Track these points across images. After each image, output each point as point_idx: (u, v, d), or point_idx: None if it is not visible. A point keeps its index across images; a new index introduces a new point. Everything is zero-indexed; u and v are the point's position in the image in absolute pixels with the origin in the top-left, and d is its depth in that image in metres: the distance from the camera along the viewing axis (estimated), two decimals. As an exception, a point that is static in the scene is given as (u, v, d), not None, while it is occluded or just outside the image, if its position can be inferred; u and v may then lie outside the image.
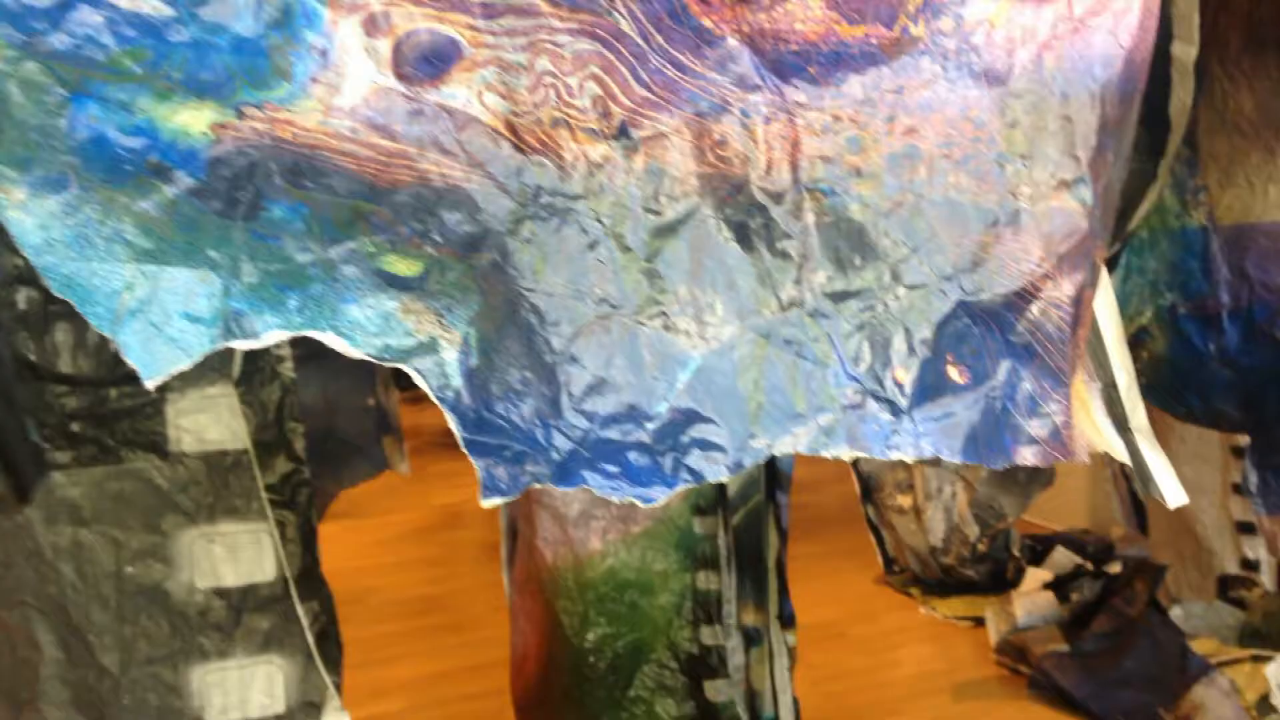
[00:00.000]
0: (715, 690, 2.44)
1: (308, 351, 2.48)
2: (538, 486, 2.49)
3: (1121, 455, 1.11)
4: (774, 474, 2.47)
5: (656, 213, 0.92)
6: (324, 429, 2.87)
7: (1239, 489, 3.05)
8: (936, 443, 0.94)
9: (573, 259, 0.91)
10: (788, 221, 0.94)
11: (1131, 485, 3.67)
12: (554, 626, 2.51)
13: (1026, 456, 0.97)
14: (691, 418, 0.92)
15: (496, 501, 0.86)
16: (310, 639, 1.84)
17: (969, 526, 3.81)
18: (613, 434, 0.90)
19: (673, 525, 2.44)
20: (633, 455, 0.90)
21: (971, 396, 0.95)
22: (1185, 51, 2.38)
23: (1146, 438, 1.15)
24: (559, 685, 2.53)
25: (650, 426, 0.91)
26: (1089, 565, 3.69)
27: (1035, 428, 0.97)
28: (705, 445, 0.92)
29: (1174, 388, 2.67)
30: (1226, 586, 3.38)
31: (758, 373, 0.93)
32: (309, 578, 1.87)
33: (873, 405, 0.94)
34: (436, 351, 0.86)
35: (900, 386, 0.95)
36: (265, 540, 1.81)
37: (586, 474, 0.89)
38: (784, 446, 0.93)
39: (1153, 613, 3.24)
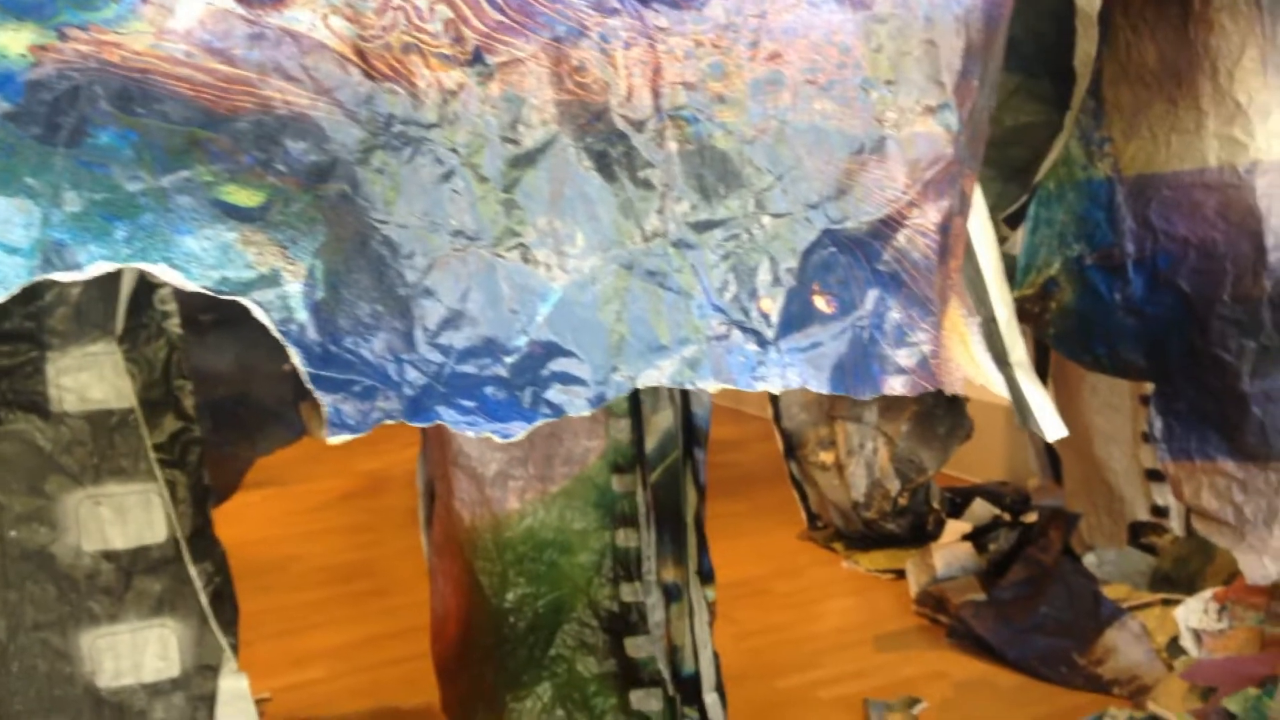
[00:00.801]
0: (636, 647, 2.44)
1: (222, 316, 2.42)
2: (454, 448, 2.47)
3: (1000, 389, 1.11)
4: (691, 430, 2.46)
5: (514, 142, 0.90)
6: (239, 395, 2.81)
7: (1148, 437, 3.11)
8: (803, 373, 0.93)
9: (427, 190, 0.88)
10: (650, 150, 0.92)
11: (1046, 436, 3.73)
12: (473, 587, 2.49)
13: (895, 386, 0.96)
14: (552, 351, 0.90)
15: (345, 438, 0.83)
16: (204, 601, 1.80)
17: (890, 481, 3.86)
18: (469, 368, 0.88)
19: (591, 484, 2.43)
20: (490, 390, 0.88)
21: (839, 326, 0.95)
22: (1089, 2, 2.39)
23: (1026, 372, 1.16)
24: (479, 646, 2.52)
25: (508, 360, 0.89)
26: (1006, 516, 3.76)
27: (903, 357, 0.96)
28: (566, 379, 0.90)
29: (1082, 337, 2.71)
30: (1138, 533, 3.46)
31: (620, 305, 0.91)
32: (201, 538, 1.83)
33: (738, 336, 0.93)
34: (279, 284, 0.83)
35: (766, 317, 0.94)
36: (155, 501, 1.77)
37: (441, 409, 0.87)
38: (648, 379, 0.91)
39: (1066, 560, 3.30)
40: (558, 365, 0.90)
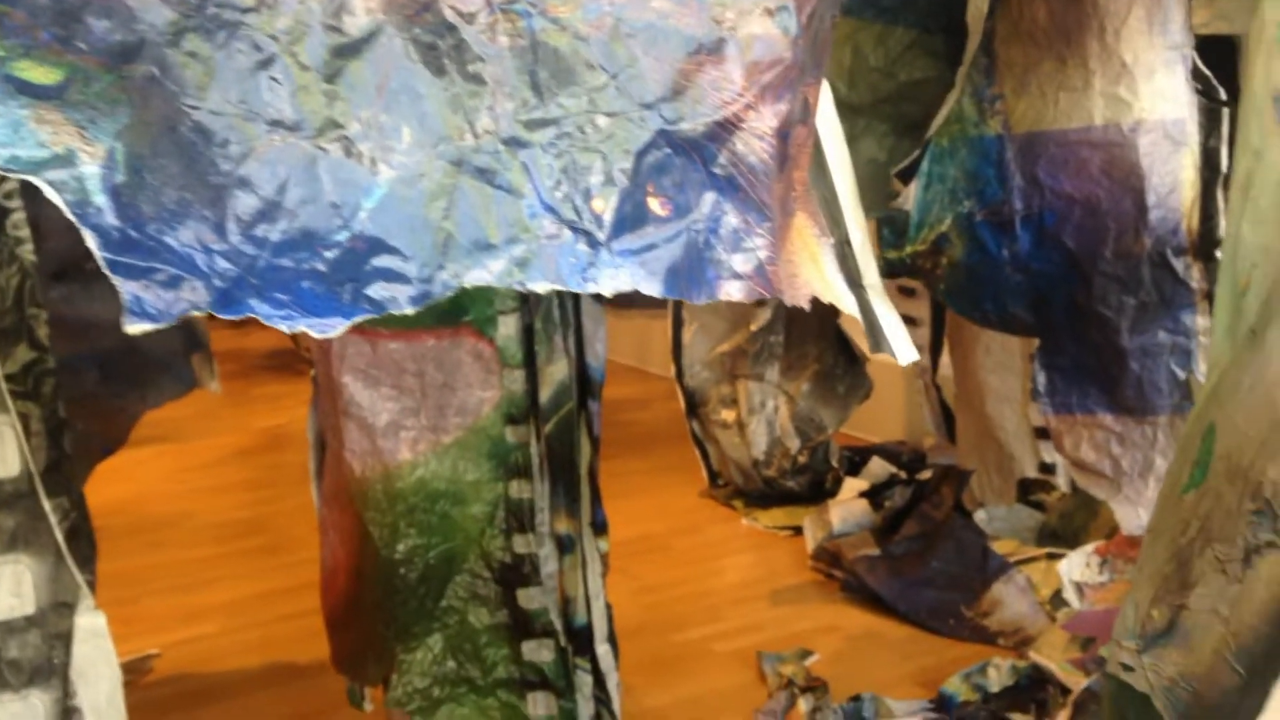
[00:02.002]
0: (528, 598, 2.42)
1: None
2: (345, 398, 2.42)
3: (852, 310, 1.12)
4: (586, 382, 2.45)
5: (338, 30, 0.87)
6: (126, 345, 2.73)
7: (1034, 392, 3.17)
8: (635, 275, 0.92)
9: (243, 76, 0.85)
10: (481, 44, 0.89)
11: (942, 396, 3.80)
12: (363, 539, 2.45)
13: (731, 291, 0.95)
14: (375, 247, 0.87)
15: (145, 327, 0.80)
16: (59, 537, 1.74)
17: (790, 439, 3.89)
18: (285, 262, 0.85)
19: (484, 435, 2.41)
20: (307, 284, 0.85)
21: (673, 229, 0.94)
22: (982, -41, 2.41)
23: (879, 295, 1.16)
24: (370, 598, 2.48)
25: (328, 255, 0.86)
26: (903, 474, 3.81)
27: (739, 263, 0.95)
28: (389, 275, 0.87)
29: (971, 293, 2.75)
30: (1027, 490, 3.54)
31: (448, 202, 0.89)
32: (57, 473, 1.77)
33: (569, 236, 0.91)
34: (74, 165, 0.79)
35: (598, 218, 0.92)
36: (6, 434, 1.70)
37: (254, 303, 0.84)
38: (475, 278, 0.89)
39: (957, 516, 3.36)
40: (380, 261, 0.87)
